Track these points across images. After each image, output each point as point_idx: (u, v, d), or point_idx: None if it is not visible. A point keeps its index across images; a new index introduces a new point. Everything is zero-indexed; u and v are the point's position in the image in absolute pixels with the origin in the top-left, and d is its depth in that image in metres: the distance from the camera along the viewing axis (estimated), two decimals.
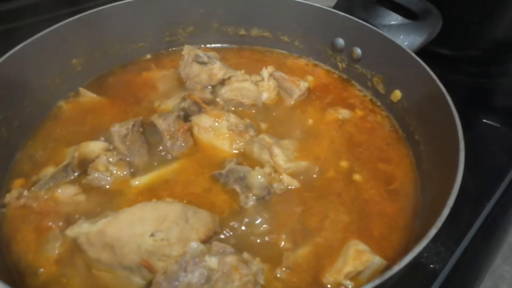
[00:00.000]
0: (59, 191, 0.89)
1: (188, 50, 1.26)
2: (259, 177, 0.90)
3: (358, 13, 1.25)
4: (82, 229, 0.75)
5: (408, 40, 1.19)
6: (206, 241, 0.79)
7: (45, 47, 1.05)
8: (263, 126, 1.11)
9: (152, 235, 0.74)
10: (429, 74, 0.97)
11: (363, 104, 1.22)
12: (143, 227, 0.75)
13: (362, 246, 0.80)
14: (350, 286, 0.76)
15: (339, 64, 1.31)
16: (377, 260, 0.77)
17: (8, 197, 0.86)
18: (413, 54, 1.05)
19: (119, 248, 0.74)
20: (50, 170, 0.95)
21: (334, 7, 1.31)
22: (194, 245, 0.75)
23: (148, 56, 1.36)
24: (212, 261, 0.72)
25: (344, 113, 1.17)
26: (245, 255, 0.77)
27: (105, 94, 1.19)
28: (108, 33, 1.22)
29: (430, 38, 1.19)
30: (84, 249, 0.76)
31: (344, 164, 1.01)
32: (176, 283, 0.71)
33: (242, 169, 0.94)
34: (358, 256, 0.77)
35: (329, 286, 0.77)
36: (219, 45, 1.43)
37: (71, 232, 0.76)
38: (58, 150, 1.01)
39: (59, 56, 1.11)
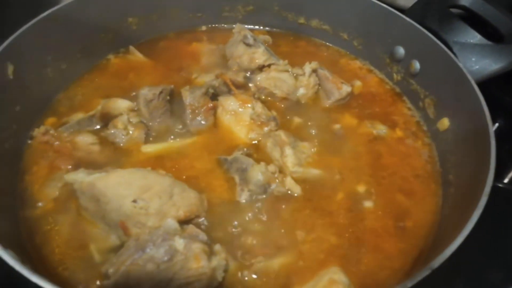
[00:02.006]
0: (80, 137, 0.96)
1: (239, 29, 1.24)
2: (259, 173, 0.87)
3: (431, 23, 1.09)
4: (78, 177, 0.81)
5: (481, 64, 1.02)
6: (184, 221, 0.79)
7: (104, 1, 1.11)
8: (289, 122, 1.06)
9: (134, 201, 0.76)
10: (484, 114, 0.83)
11: (406, 125, 1.09)
12: (127, 191, 0.77)
13: (340, 277, 0.73)
14: None
15: (395, 75, 1.18)
16: None
17: (36, 131, 0.95)
18: (475, 85, 0.90)
19: (103, 204, 0.78)
20: (79, 115, 1.03)
21: (407, 11, 1.17)
22: (170, 222, 0.76)
23: (203, 28, 1.37)
24: (179, 243, 0.72)
25: (381, 129, 1.06)
26: (217, 247, 0.76)
27: (152, 57, 1.23)
28: None
29: (510, 67, 1.01)
30: (77, 195, 0.82)
31: (359, 185, 0.93)
32: (141, 252, 0.72)
33: (246, 160, 0.91)
34: (330, 287, 0.71)
35: None
36: (275, 29, 1.37)
37: (68, 177, 0.82)
38: (94, 100, 1.08)
39: (116, 12, 1.16)
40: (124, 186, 0.78)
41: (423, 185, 0.94)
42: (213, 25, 1.37)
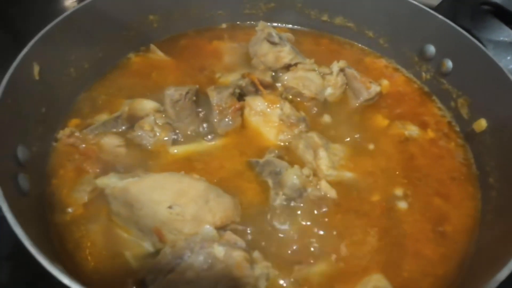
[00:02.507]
0: (105, 139, 0.93)
1: (262, 27, 1.21)
2: (294, 177, 0.84)
3: (462, 20, 1.07)
4: (110, 182, 0.78)
5: None
6: (221, 227, 0.76)
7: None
8: (317, 123, 1.04)
9: (169, 207, 0.74)
10: None
11: (438, 125, 1.06)
12: (162, 196, 0.74)
13: (385, 285, 0.71)
14: None
15: (423, 74, 1.15)
16: None
17: (61, 133, 0.92)
18: None
19: (137, 209, 0.75)
20: (103, 117, 1.00)
21: (435, 8, 1.14)
22: (208, 228, 0.74)
23: (224, 26, 1.34)
24: (218, 251, 0.69)
25: (412, 130, 1.04)
26: (256, 254, 0.74)
27: (173, 55, 1.20)
28: None
29: None
30: (108, 201, 0.79)
31: (394, 188, 0.90)
32: (180, 260, 0.70)
33: (280, 163, 0.88)
34: None
35: None
36: (297, 26, 1.34)
37: (101, 182, 0.79)
38: (118, 100, 1.05)
39: (137, 10, 1.14)
40: (158, 191, 0.75)
41: (459, 188, 0.92)
42: (234, 23, 1.34)
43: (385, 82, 1.17)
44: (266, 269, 0.70)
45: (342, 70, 1.12)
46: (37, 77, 0.84)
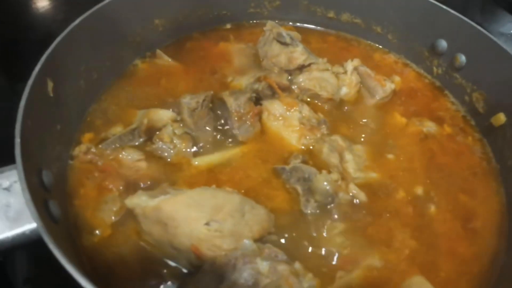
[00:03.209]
0: (124, 153, 0.90)
1: (270, 27, 1.18)
2: (325, 183, 0.84)
3: (473, 14, 1.08)
4: (140, 201, 0.75)
5: None
6: (258, 240, 0.75)
7: (131, 3, 1.03)
8: (334, 124, 1.03)
9: (206, 223, 0.71)
10: None
11: (453, 120, 1.07)
12: (198, 213, 0.72)
13: (427, 286, 0.72)
14: None
15: (434, 69, 1.16)
16: None
17: (77, 150, 0.88)
18: None
19: (172, 228, 0.73)
20: (118, 129, 0.96)
21: (444, 2, 1.14)
22: (247, 243, 0.72)
23: (228, 26, 1.30)
24: (263, 266, 0.68)
25: (430, 126, 1.04)
26: (297, 265, 0.73)
27: (180, 60, 1.16)
28: None
29: None
30: (138, 220, 0.76)
31: (419, 187, 0.91)
32: (222, 277, 0.68)
33: (308, 169, 0.87)
34: None
35: None
36: (303, 24, 1.32)
37: (130, 202, 0.76)
38: (129, 110, 1.01)
39: (143, 15, 1.09)
40: (194, 208, 0.73)
41: (483, 183, 0.93)
42: (239, 22, 1.31)
43: (397, 79, 1.16)
44: (313, 281, 0.69)
45: (356, 68, 1.11)
46: (51, 94, 0.80)
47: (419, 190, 0.91)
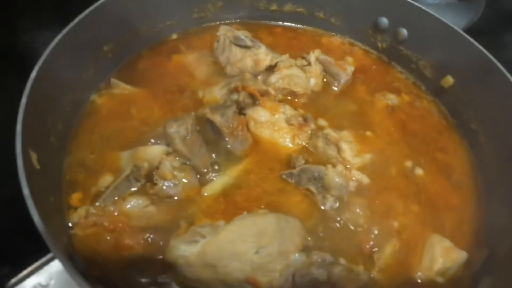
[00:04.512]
0: (128, 205, 0.82)
1: (224, 31, 1.16)
2: (336, 176, 0.89)
3: None
4: (181, 252, 0.71)
5: (454, 21, 1.16)
6: (302, 250, 0.78)
7: (78, 39, 0.90)
8: (316, 117, 1.07)
9: (257, 252, 0.72)
10: (490, 59, 0.97)
11: (407, 88, 1.21)
12: (245, 245, 0.72)
13: (447, 243, 0.84)
14: (441, 281, 0.80)
15: (379, 44, 1.27)
16: (464, 256, 0.82)
17: (76, 217, 0.78)
18: (467, 36, 1.03)
19: (222, 267, 0.71)
20: (108, 179, 0.87)
21: None
22: (297, 257, 0.75)
23: (174, 36, 1.23)
24: (320, 273, 0.72)
25: (392, 98, 1.16)
26: (342, 261, 0.78)
27: (139, 84, 1.07)
28: (136, 12, 1.08)
29: (474, 19, 1.18)
30: (181, 270, 0.73)
31: (404, 156, 1.01)
32: None
33: (316, 168, 0.91)
34: (447, 254, 0.81)
35: (419, 281, 0.81)
36: (249, 21, 1.31)
37: (171, 256, 0.71)
38: (110, 154, 0.92)
39: (93, 45, 0.97)
40: (239, 241, 0.72)
41: (448, 138, 1.08)
42: (184, 31, 1.24)
43: (349, 59, 1.25)
44: (365, 271, 0.75)
45: (317, 58, 1.16)
46: (38, 166, 0.68)
47: (404, 157, 1.01)
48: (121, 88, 1.06)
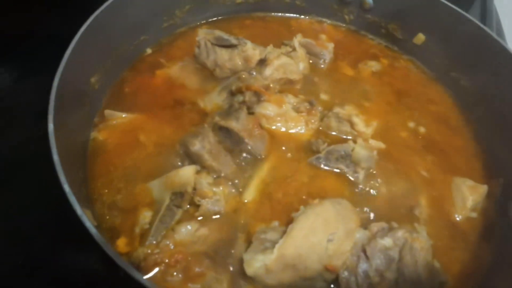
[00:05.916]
0: (177, 235, 0.79)
1: (203, 35, 1.13)
2: (362, 149, 0.94)
3: None
4: (260, 262, 0.71)
5: None
6: (361, 226, 0.82)
7: (70, 77, 0.82)
8: (316, 99, 1.10)
9: (329, 240, 0.74)
10: (458, 12, 1.08)
11: (383, 52, 1.29)
12: (317, 236, 0.74)
13: (469, 182, 0.94)
14: (475, 215, 0.90)
15: (346, 17, 1.33)
16: (485, 188, 0.92)
17: (139, 260, 0.74)
18: None
19: (301, 264, 0.73)
20: (147, 215, 0.83)
21: None
22: (360, 233, 0.79)
23: (149, 51, 1.16)
24: (387, 241, 0.77)
25: (374, 65, 1.23)
26: (394, 224, 0.84)
27: (134, 109, 1.01)
28: (115, 31, 1.00)
29: None
30: (260, 280, 0.73)
31: (406, 117, 1.09)
32: (361, 271, 0.75)
33: (341, 147, 0.95)
34: (474, 190, 0.91)
35: (458, 220, 0.90)
36: (218, 18, 1.29)
37: (251, 270, 0.71)
38: (136, 188, 0.87)
39: (83, 76, 0.89)
40: (311, 235, 0.74)
41: (433, 90, 1.18)
42: (158, 43, 1.18)
43: (323, 37, 1.29)
44: (422, 226, 0.82)
45: (299, 42, 1.18)
46: (95, 223, 0.63)
47: (409, 122, 1.09)
48: (116, 117, 0.99)
